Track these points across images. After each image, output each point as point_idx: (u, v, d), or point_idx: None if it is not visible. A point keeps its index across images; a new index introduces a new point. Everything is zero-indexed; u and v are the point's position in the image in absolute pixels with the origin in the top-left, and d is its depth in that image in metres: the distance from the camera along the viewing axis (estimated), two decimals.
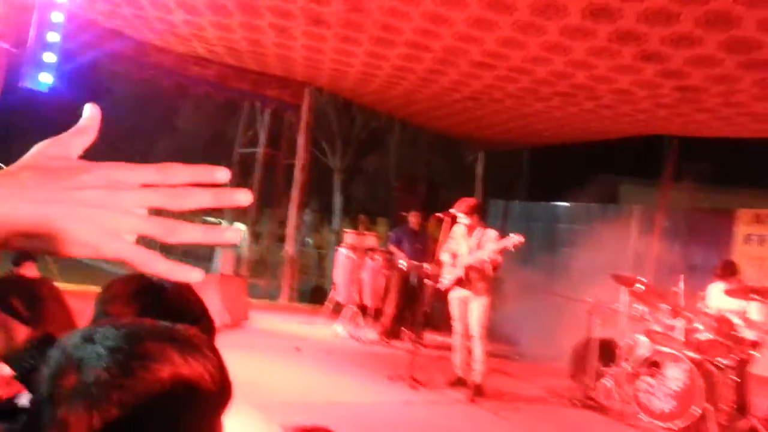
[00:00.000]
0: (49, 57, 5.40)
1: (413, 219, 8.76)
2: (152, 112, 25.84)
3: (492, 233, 5.95)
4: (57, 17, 5.48)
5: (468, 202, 6.06)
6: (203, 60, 9.72)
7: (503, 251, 5.77)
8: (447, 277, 6.06)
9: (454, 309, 6.07)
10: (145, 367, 0.72)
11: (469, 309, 5.94)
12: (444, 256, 6.14)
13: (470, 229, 5.99)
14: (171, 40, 8.94)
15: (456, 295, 6.03)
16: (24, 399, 1.25)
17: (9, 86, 5.92)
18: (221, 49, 8.96)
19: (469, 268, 5.89)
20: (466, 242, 6.00)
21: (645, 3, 5.23)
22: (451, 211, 6.01)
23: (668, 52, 6.11)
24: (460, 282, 5.95)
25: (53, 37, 5.44)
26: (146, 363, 0.72)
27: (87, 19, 8.33)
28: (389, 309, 8.39)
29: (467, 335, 5.99)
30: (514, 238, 5.65)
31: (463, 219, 5.99)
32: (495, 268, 5.84)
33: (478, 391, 5.79)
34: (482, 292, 5.90)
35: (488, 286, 5.95)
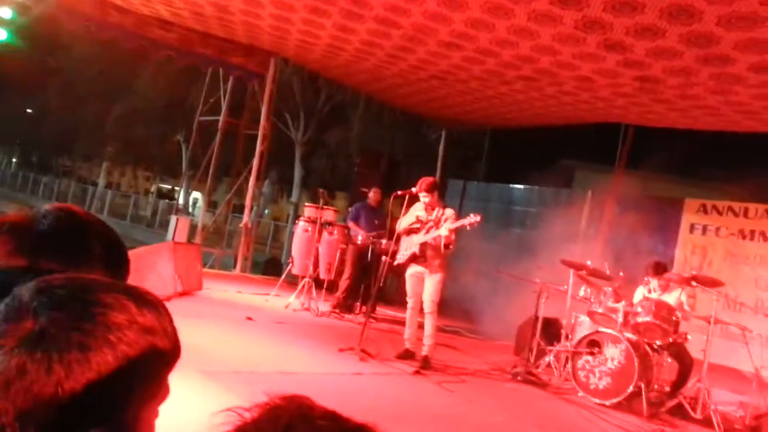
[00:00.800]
0: (5, 12, 5.19)
1: (373, 195, 8.85)
2: (111, 74, 25.06)
3: (450, 212, 6.10)
4: None
5: (427, 180, 6.16)
6: (167, 23, 9.48)
7: (458, 230, 5.91)
8: (403, 253, 6.19)
9: (409, 285, 6.22)
10: (104, 313, 0.71)
11: (424, 285, 6.09)
12: (404, 223, 6.23)
13: (429, 207, 6.11)
14: (134, 1, 8.69)
15: (411, 272, 6.18)
16: None
17: None
18: (186, 12, 8.75)
19: (424, 245, 6.04)
20: (425, 220, 6.13)
21: None
22: (413, 189, 6.12)
23: (631, 42, 6.27)
24: (415, 258, 6.10)
25: None
26: (104, 309, 0.71)
27: None
28: (344, 282, 8.49)
29: (420, 310, 6.15)
30: (471, 218, 5.79)
31: (422, 197, 6.11)
32: (447, 246, 5.99)
33: (426, 364, 5.98)
34: (437, 269, 6.06)
35: (443, 263, 6.11)
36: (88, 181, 39.55)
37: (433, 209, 6.12)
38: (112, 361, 0.70)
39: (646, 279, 6.51)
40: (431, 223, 6.08)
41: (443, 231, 5.90)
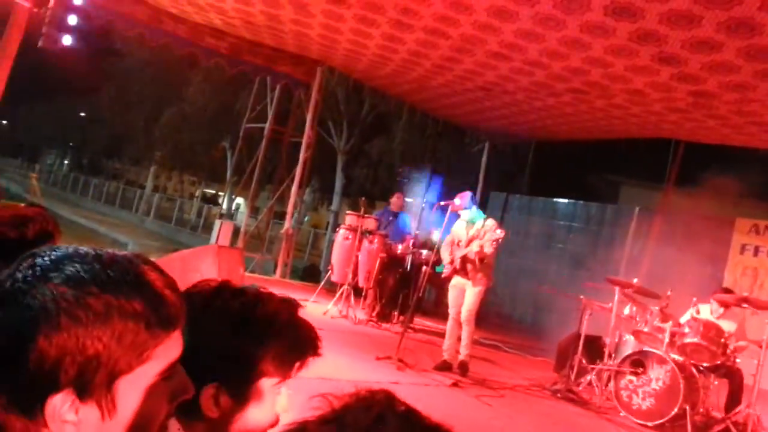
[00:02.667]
0: (73, 19, 5.39)
1: (395, 200, 9.07)
2: (161, 80, 25.77)
3: (491, 223, 6.13)
4: None
5: (464, 196, 6.23)
6: (218, 31, 9.69)
7: (492, 244, 5.94)
8: (447, 266, 6.26)
9: (451, 296, 6.32)
10: (130, 270, 0.77)
11: (465, 296, 6.15)
12: (444, 246, 6.34)
13: (470, 220, 6.21)
14: (188, 9, 8.91)
15: (454, 283, 6.30)
16: None
17: (26, 45, 5.91)
18: (238, 21, 8.93)
19: (464, 259, 6.12)
20: (465, 233, 6.20)
21: (669, 4, 5.24)
22: (455, 201, 6.18)
23: (686, 55, 6.13)
24: (456, 271, 6.19)
25: None
26: (130, 266, 0.77)
27: None
28: (383, 291, 8.50)
29: (459, 321, 6.16)
30: (496, 234, 5.85)
31: (461, 212, 6.21)
32: (481, 260, 6.05)
33: (464, 369, 6.03)
34: (479, 281, 6.13)
35: (485, 275, 6.16)
36: (136, 184, 40.60)
37: (473, 223, 6.18)
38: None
39: (694, 300, 6.32)
40: (472, 237, 6.13)
41: (474, 246, 6.00)
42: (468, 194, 6.30)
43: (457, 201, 6.20)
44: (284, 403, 1.09)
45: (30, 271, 0.74)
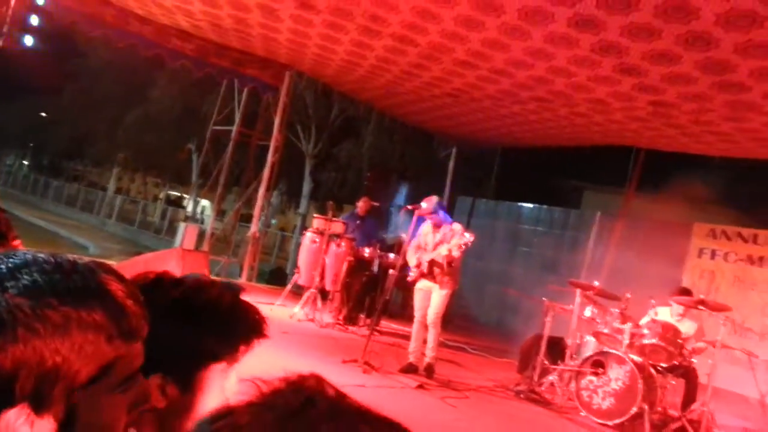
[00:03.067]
0: (35, 19, 5.31)
1: (362, 204, 9.14)
2: (126, 81, 25.32)
3: (458, 227, 6.23)
4: None
5: (433, 199, 6.30)
6: (185, 33, 9.62)
7: (460, 248, 6.02)
8: (413, 270, 6.33)
9: (417, 299, 6.37)
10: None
11: (431, 299, 6.23)
12: (410, 251, 6.41)
13: (436, 224, 6.27)
14: (154, 11, 8.83)
15: (420, 286, 6.35)
16: None
17: None
18: (205, 24, 8.88)
19: (431, 262, 6.19)
20: (432, 237, 6.29)
21: (629, 17, 5.42)
22: (422, 205, 6.26)
23: (647, 67, 6.33)
24: (424, 275, 6.25)
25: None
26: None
27: None
28: (349, 295, 8.55)
29: (425, 324, 6.25)
30: (465, 238, 5.91)
31: (428, 218, 6.31)
32: (449, 264, 6.14)
33: (430, 371, 6.12)
34: (445, 284, 6.22)
35: (451, 279, 6.25)
36: (98, 186, 39.80)
37: (439, 227, 6.26)
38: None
39: (652, 302, 6.51)
40: (439, 241, 6.22)
41: (443, 250, 6.06)
42: (434, 198, 6.39)
43: (423, 205, 6.27)
44: (233, 387, 1.09)
45: None
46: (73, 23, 8.96)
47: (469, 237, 5.95)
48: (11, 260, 0.73)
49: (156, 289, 1.06)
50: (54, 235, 22.19)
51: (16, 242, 4.63)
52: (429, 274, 6.22)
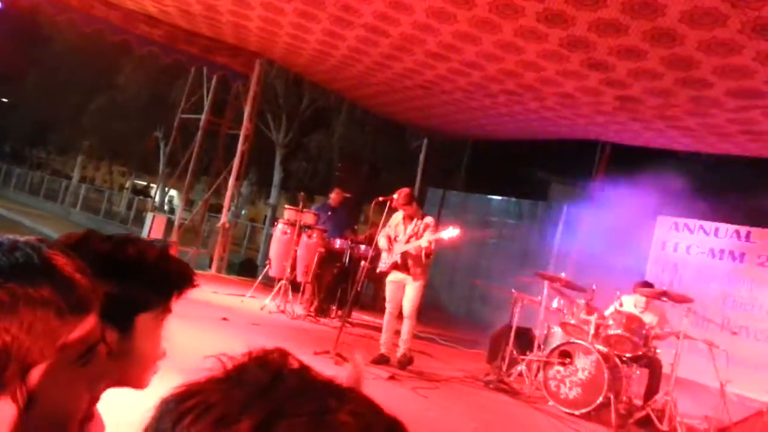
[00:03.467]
0: None
1: (334, 196, 9.18)
2: (91, 67, 24.73)
3: (429, 219, 6.29)
4: None
5: (404, 192, 6.33)
6: (153, 19, 9.45)
7: (438, 240, 6.06)
8: (385, 261, 6.33)
9: (389, 291, 6.37)
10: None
11: (405, 291, 6.26)
12: (381, 241, 6.41)
13: (409, 216, 6.29)
14: None
15: (392, 278, 6.35)
16: None
17: None
18: (173, 10, 8.73)
19: (405, 254, 6.21)
20: (404, 228, 6.29)
21: (597, 13, 5.50)
22: (393, 197, 6.27)
23: (613, 62, 6.43)
24: (396, 266, 6.24)
25: None
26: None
27: None
28: (321, 286, 8.55)
29: (398, 316, 6.29)
30: (451, 231, 5.95)
31: (401, 209, 6.31)
32: (428, 255, 6.20)
33: (405, 362, 6.20)
34: (418, 276, 6.26)
35: (423, 271, 6.31)
36: (62, 174, 38.89)
37: (412, 219, 6.29)
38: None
39: (617, 293, 6.66)
40: (411, 233, 6.23)
41: (423, 242, 6.08)
42: (407, 190, 6.41)
43: (395, 196, 6.30)
44: (168, 334, 1.16)
45: None
46: (37, 5, 8.74)
47: (454, 230, 5.96)
48: None
49: (84, 245, 1.08)
50: (17, 224, 21.65)
51: None
52: (402, 266, 6.24)
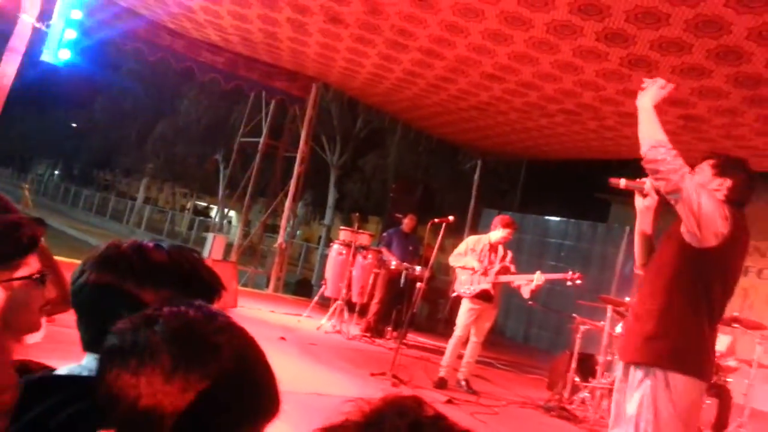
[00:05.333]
0: (71, 34, 5.47)
1: (407, 222, 9.02)
2: (156, 93, 25.83)
3: (509, 255, 6.30)
4: None
5: (506, 219, 6.36)
6: (215, 47, 9.78)
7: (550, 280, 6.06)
8: (468, 287, 6.21)
9: (468, 316, 6.22)
10: None
11: (482, 318, 6.24)
12: (466, 261, 6.30)
13: (496, 244, 6.25)
14: (186, 25, 9.00)
15: (472, 305, 6.21)
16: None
17: (29, 60, 6.00)
18: (235, 38, 9.02)
19: (495, 284, 6.15)
20: (491, 255, 6.28)
21: (660, 32, 5.38)
22: (450, 218, 6.27)
23: (676, 80, 6.26)
24: (485, 293, 6.16)
25: (77, 14, 5.50)
26: None
27: None
28: (375, 307, 8.55)
29: (464, 341, 6.24)
30: (574, 275, 5.88)
31: (499, 234, 6.28)
32: (534, 291, 6.06)
33: (469, 386, 6.21)
34: (497, 304, 6.31)
35: (499, 298, 6.32)
36: (127, 196, 40.45)
37: (498, 246, 6.26)
38: None
39: None
40: (499, 261, 6.22)
41: (539, 279, 5.94)
42: (506, 218, 6.39)
43: (450, 218, 6.30)
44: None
45: None
46: (107, 37, 9.17)
47: (573, 276, 5.89)
48: None
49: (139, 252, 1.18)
50: (84, 243, 22.56)
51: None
52: (488, 294, 6.15)
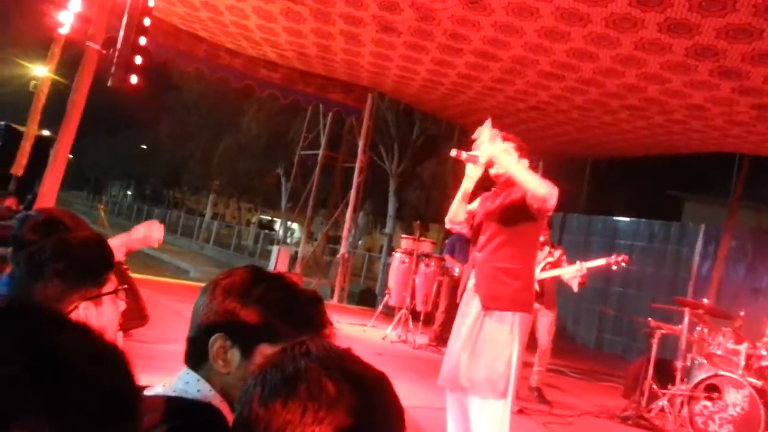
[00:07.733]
0: (138, 59, 5.68)
1: None
2: (217, 111, 26.69)
3: (559, 251, 6.11)
4: (147, 21, 5.76)
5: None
6: (272, 63, 9.97)
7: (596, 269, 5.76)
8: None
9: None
10: None
11: (540, 322, 6.04)
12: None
13: (542, 244, 6.09)
14: (243, 44, 9.21)
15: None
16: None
17: (97, 86, 6.27)
18: (291, 53, 9.16)
19: (542, 282, 5.92)
20: (543, 256, 6.10)
21: (726, 19, 5.11)
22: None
23: (747, 69, 5.94)
24: (538, 295, 6.01)
25: (143, 40, 5.72)
26: None
27: (166, 22, 8.70)
28: (442, 316, 8.43)
29: (528, 347, 6.05)
30: (618, 258, 5.62)
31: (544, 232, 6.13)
32: (581, 284, 5.84)
33: (540, 395, 6.03)
34: (552, 306, 6.08)
35: (555, 300, 6.05)
36: (196, 212, 41.82)
37: (543, 246, 6.08)
38: None
39: None
40: (543, 260, 6.03)
41: (582, 268, 5.70)
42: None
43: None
44: None
45: None
46: (170, 60, 9.51)
47: (617, 258, 5.66)
48: None
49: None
50: (158, 260, 23.41)
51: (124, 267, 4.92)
52: (538, 294, 5.99)
